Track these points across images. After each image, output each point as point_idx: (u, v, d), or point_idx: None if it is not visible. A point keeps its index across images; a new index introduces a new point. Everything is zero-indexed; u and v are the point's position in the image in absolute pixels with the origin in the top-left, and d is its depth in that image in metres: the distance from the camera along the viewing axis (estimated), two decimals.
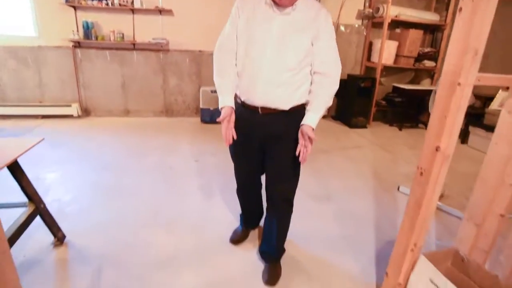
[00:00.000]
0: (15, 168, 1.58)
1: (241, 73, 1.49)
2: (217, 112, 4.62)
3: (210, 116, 4.64)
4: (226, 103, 1.47)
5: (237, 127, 1.49)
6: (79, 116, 4.51)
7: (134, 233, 2.06)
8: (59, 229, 1.88)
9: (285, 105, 1.46)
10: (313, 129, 1.41)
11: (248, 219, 2.05)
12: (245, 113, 1.53)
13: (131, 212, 2.29)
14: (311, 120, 1.42)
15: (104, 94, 4.60)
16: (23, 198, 1.72)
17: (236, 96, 1.55)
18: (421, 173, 1.23)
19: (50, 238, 1.90)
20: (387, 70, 5.22)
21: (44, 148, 3.26)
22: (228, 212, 2.34)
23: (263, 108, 1.47)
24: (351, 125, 4.92)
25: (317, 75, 1.44)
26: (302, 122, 1.42)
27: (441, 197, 2.77)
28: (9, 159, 1.38)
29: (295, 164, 1.56)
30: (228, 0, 4.54)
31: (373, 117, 5.19)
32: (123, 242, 1.96)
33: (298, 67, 1.40)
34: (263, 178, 1.75)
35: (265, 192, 1.69)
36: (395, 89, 5.18)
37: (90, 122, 4.42)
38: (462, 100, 1.07)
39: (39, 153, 3.13)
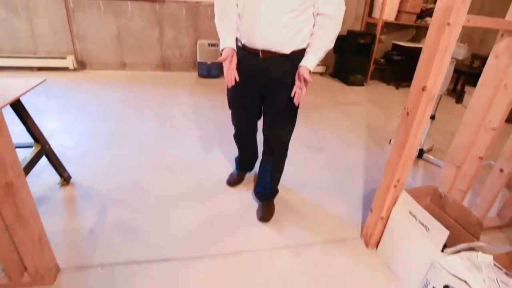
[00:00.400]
0: (19, 108, 1.63)
1: (242, 15, 1.47)
2: (214, 66, 4.60)
3: (207, 71, 4.61)
4: (227, 44, 1.46)
5: (237, 71, 1.50)
6: (75, 69, 4.47)
7: (136, 175, 2.17)
8: (64, 169, 1.98)
9: (286, 49, 1.44)
10: (310, 71, 1.42)
11: (244, 162, 2.15)
12: (245, 57, 1.53)
13: (133, 157, 2.40)
14: (309, 62, 1.42)
15: (99, 46, 4.51)
16: (29, 141, 1.80)
17: (237, 40, 1.54)
18: (407, 113, 1.30)
19: (57, 178, 2.01)
20: (388, 26, 5.12)
21: (42, 99, 3.29)
22: (224, 159, 2.45)
23: (263, 52, 1.47)
24: (348, 82, 4.92)
25: (320, 16, 1.40)
26: (300, 64, 1.43)
27: (430, 150, 2.89)
28: (12, 97, 1.43)
29: (293, 110, 1.60)
30: None
31: (371, 76, 5.19)
32: (125, 182, 2.08)
33: (300, 8, 1.36)
34: (259, 123, 1.82)
35: (262, 135, 1.76)
36: (395, 46, 5.12)
37: (86, 75, 4.38)
38: (451, 41, 1.11)
39: (38, 103, 3.17)
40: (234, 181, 2.14)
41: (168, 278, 1.42)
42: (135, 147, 2.54)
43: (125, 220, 1.75)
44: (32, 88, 1.49)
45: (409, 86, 1.49)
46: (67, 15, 4.26)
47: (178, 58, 4.82)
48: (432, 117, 2.59)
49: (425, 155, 2.72)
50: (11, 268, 1.28)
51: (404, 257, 1.47)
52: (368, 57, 4.95)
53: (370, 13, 5.14)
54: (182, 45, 4.74)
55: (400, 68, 5.06)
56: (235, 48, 1.49)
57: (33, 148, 1.76)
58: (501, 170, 1.68)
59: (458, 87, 4.94)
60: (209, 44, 4.46)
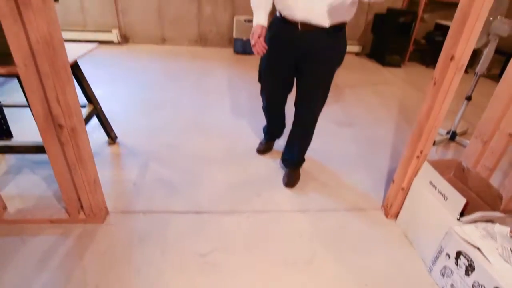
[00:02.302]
0: (77, 70, 1.84)
1: None
2: (249, 43, 4.66)
3: (243, 47, 4.69)
4: (258, 21, 1.52)
5: (274, 43, 1.56)
6: (119, 43, 4.73)
7: (175, 137, 2.37)
8: (112, 129, 2.21)
9: (326, 22, 1.44)
10: None
11: (272, 131, 2.24)
12: (284, 29, 1.55)
13: (172, 121, 2.61)
14: None
15: (141, 21, 4.73)
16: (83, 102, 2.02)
17: (276, 11, 1.59)
18: (434, 83, 1.33)
19: (105, 138, 2.25)
20: (432, 4, 4.85)
21: (89, 69, 3.56)
22: (255, 127, 2.58)
23: (302, 24, 1.47)
24: (384, 63, 4.80)
25: None
26: None
27: (464, 133, 2.82)
28: (74, 57, 1.62)
29: (327, 84, 1.65)
30: None
31: (410, 57, 5.01)
32: (165, 143, 2.29)
33: None
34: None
35: (293, 106, 1.81)
36: (438, 26, 4.87)
37: (129, 48, 4.64)
38: (484, 8, 1.12)
39: (85, 72, 3.43)
40: (263, 149, 2.26)
41: (199, 228, 1.60)
42: (173, 112, 2.75)
43: (163, 176, 1.95)
44: (89, 51, 1.68)
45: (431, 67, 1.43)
46: None
47: (215, 34, 4.93)
48: (468, 98, 2.53)
49: (458, 138, 2.67)
50: (70, 205, 1.50)
51: (421, 226, 1.53)
52: (407, 37, 4.77)
53: None
54: (219, 21, 4.83)
55: (432, 48, 4.81)
56: (266, 24, 1.54)
57: (86, 107, 1.98)
58: None
59: (502, 64, 4.63)
60: (245, 20, 4.52)
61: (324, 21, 1.44)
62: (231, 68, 4.10)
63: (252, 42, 1.53)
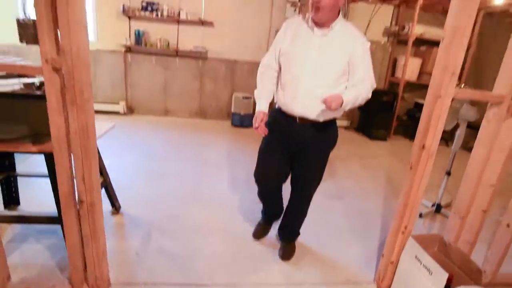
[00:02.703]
0: None
1: (283, 87, 1.69)
2: (247, 117, 5.04)
3: (240, 121, 5.05)
4: (260, 108, 1.74)
5: (274, 131, 1.74)
6: (124, 113, 5.08)
7: (176, 207, 2.49)
8: (116, 199, 2.33)
9: (321, 118, 1.65)
10: (341, 101, 1.48)
11: (269, 215, 2.25)
12: (283, 120, 1.73)
13: (174, 191, 2.74)
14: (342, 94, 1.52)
15: (147, 94, 5.16)
16: None
17: (276, 105, 1.80)
18: (411, 167, 1.54)
19: (109, 207, 2.36)
20: (410, 86, 5.43)
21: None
22: (252, 199, 2.72)
23: (301, 118, 1.67)
24: (371, 136, 5.17)
25: (354, 85, 1.61)
26: None
27: (448, 206, 2.99)
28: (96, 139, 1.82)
29: (322, 167, 1.83)
30: (262, 16, 5.00)
31: (394, 131, 5.41)
32: (167, 213, 2.39)
33: (334, 83, 1.58)
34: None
35: (290, 185, 1.94)
36: (417, 104, 5.38)
37: (134, 119, 4.97)
38: (443, 108, 1.39)
39: None
40: (259, 233, 2.22)
41: None
42: (175, 183, 2.89)
43: (165, 246, 2.02)
44: (108, 131, 1.89)
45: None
46: (124, 67, 4.97)
47: (215, 108, 5.34)
48: (448, 173, 2.75)
49: (443, 210, 2.83)
50: (76, 277, 1.56)
51: None
52: (391, 114, 5.23)
53: (393, 73, 5.52)
54: (219, 96, 5.29)
55: (415, 124, 5.23)
56: (267, 111, 1.75)
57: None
58: (508, 225, 1.81)
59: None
60: (243, 97, 4.95)
61: (319, 117, 1.66)
62: (229, 140, 4.38)
63: (255, 125, 1.72)
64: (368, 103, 5.40)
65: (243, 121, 5.05)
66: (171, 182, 2.93)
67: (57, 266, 1.78)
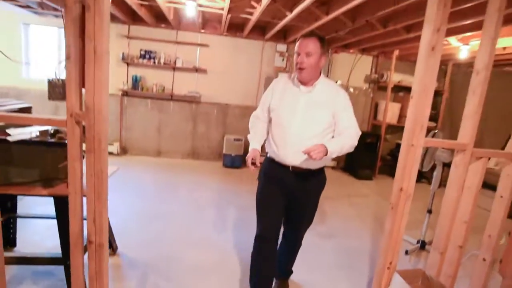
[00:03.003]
0: None
1: (274, 140, 1.82)
2: (238, 158, 5.22)
3: (231, 162, 5.22)
4: (253, 146, 1.85)
5: (268, 178, 1.86)
6: (118, 154, 5.19)
7: (171, 248, 2.55)
8: (114, 240, 2.39)
9: (312, 166, 1.77)
10: (325, 150, 1.57)
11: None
12: (277, 168, 1.83)
13: (169, 232, 2.81)
14: (327, 144, 1.62)
15: (141, 135, 5.31)
16: None
17: (267, 154, 1.92)
18: (392, 208, 1.72)
19: None
20: (391, 128, 5.79)
21: None
22: (243, 237, 2.80)
23: (293, 167, 1.78)
24: (357, 176, 5.38)
25: (339, 134, 1.76)
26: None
27: (431, 242, 3.13)
28: None
29: (312, 213, 1.97)
30: (253, 64, 5.39)
31: (379, 170, 5.66)
32: (162, 254, 2.45)
33: (321, 134, 1.72)
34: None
35: (283, 229, 2.03)
36: (399, 145, 5.68)
37: (127, 159, 5.07)
38: (416, 156, 1.60)
39: None
40: None
41: None
42: (169, 224, 2.97)
43: (160, 286, 2.07)
44: (113, 173, 2.02)
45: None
46: (120, 110, 5.17)
47: (207, 149, 5.52)
48: (429, 211, 2.94)
49: (427, 246, 2.97)
50: None
51: None
52: (375, 154, 5.51)
53: (375, 116, 5.89)
54: (211, 138, 5.49)
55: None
56: (259, 149, 1.84)
57: None
58: (484, 259, 1.97)
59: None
60: (234, 139, 5.17)
61: (311, 166, 1.78)
62: (221, 181, 4.51)
63: (249, 162, 1.77)
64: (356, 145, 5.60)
65: (234, 162, 5.22)
66: (166, 222, 3.00)
67: None
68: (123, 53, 4.96)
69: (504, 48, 3.90)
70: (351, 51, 5.58)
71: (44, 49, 5.11)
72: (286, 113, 1.76)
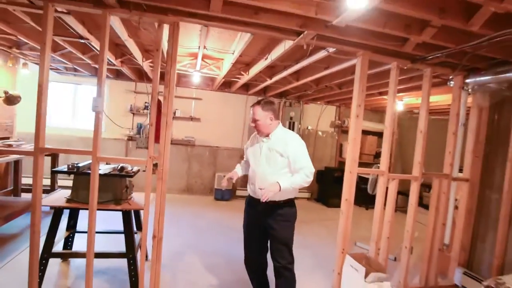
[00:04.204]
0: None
1: (249, 178, 2.37)
2: (226, 192, 6.12)
3: (221, 195, 6.11)
4: (236, 169, 2.50)
5: (248, 211, 2.39)
6: None
7: (185, 253, 3.37)
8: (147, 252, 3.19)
9: (277, 198, 2.19)
10: (278, 186, 2.06)
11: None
12: (253, 203, 2.34)
13: (180, 246, 3.62)
14: (279, 179, 2.11)
15: (142, 174, 6.12)
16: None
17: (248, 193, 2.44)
18: (342, 213, 2.72)
19: None
20: None
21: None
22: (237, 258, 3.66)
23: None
24: (328, 204, 6.41)
25: (294, 171, 2.22)
26: None
27: None
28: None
29: (287, 241, 2.30)
30: (238, 114, 6.51)
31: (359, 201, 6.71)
32: (180, 258, 3.26)
33: (278, 172, 2.19)
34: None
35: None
36: (360, 178, 6.85)
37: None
38: (352, 180, 2.64)
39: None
40: None
41: None
42: (179, 241, 3.78)
43: (179, 276, 2.89)
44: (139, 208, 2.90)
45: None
46: (125, 152, 6.02)
47: (200, 185, 6.41)
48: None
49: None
50: None
51: None
52: (342, 186, 6.58)
53: (340, 155, 7.08)
54: (203, 175, 6.40)
55: (366, 194, 6.63)
56: (239, 173, 2.46)
57: (138, 234, 3.03)
58: (406, 247, 2.97)
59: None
60: (224, 176, 6.09)
61: (276, 198, 2.20)
62: (214, 211, 5.38)
63: (227, 176, 2.39)
64: (323, 178, 6.90)
65: (224, 195, 6.11)
66: (176, 240, 3.82)
67: None
68: (130, 105, 5.95)
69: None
70: (319, 102, 6.88)
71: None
72: (254, 158, 2.34)
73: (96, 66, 4.45)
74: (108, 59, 3.91)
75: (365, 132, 6.90)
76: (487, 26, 2.06)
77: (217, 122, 6.41)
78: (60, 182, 4.81)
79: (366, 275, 2.48)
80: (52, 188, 4.58)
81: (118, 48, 4.21)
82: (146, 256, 3.17)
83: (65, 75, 5.72)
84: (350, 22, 2.12)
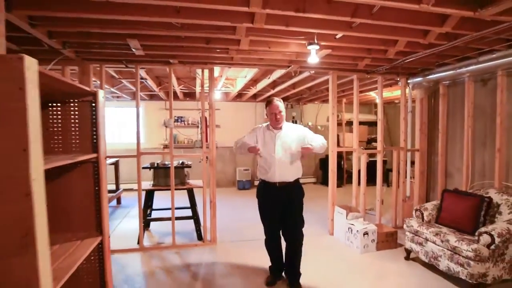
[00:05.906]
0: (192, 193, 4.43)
1: (266, 166, 2.63)
2: (247, 182, 7.52)
3: (243, 185, 7.53)
4: (252, 145, 2.65)
5: (264, 198, 2.71)
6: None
7: (231, 224, 4.78)
8: (200, 229, 4.60)
9: (291, 179, 2.62)
10: (310, 147, 2.54)
11: (275, 267, 2.93)
12: (268, 188, 2.66)
13: (226, 218, 5.04)
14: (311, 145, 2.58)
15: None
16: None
17: (259, 179, 2.79)
18: (330, 179, 4.09)
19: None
20: (349, 152, 8.29)
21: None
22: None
23: (279, 183, 2.58)
24: None
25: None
26: None
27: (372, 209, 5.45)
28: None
29: (300, 214, 2.71)
30: (249, 119, 7.93)
31: (346, 181, 8.05)
32: (228, 228, 4.68)
33: (295, 155, 2.60)
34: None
35: (283, 237, 2.82)
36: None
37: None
38: (334, 156, 4.01)
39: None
40: (270, 283, 2.89)
41: None
42: (224, 216, 5.20)
43: (228, 242, 4.31)
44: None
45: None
46: (162, 157, 7.51)
47: (224, 179, 7.84)
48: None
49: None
50: (205, 236, 3.83)
51: (340, 228, 3.99)
52: (341, 170, 7.93)
53: (338, 144, 8.41)
54: (226, 171, 7.84)
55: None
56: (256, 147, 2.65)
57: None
58: (379, 200, 4.32)
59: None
60: (243, 169, 7.52)
61: (291, 179, 2.64)
62: (237, 198, 6.80)
63: (256, 148, 2.61)
64: (325, 165, 8.30)
65: (245, 185, 7.52)
66: (222, 215, 5.24)
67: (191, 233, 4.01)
68: (164, 120, 7.42)
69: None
70: (315, 102, 8.24)
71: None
72: (271, 149, 2.65)
73: (143, 93, 5.99)
74: (151, 86, 5.43)
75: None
76: (402, 53, 3.43)
77: (233, 126, 7.84)
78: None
79: (347, 216, 3.86)
80: (117, 188, 6.11)
81: (158, 79, 5.69)
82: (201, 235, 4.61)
83: (110, 100, 7.24)
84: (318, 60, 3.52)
